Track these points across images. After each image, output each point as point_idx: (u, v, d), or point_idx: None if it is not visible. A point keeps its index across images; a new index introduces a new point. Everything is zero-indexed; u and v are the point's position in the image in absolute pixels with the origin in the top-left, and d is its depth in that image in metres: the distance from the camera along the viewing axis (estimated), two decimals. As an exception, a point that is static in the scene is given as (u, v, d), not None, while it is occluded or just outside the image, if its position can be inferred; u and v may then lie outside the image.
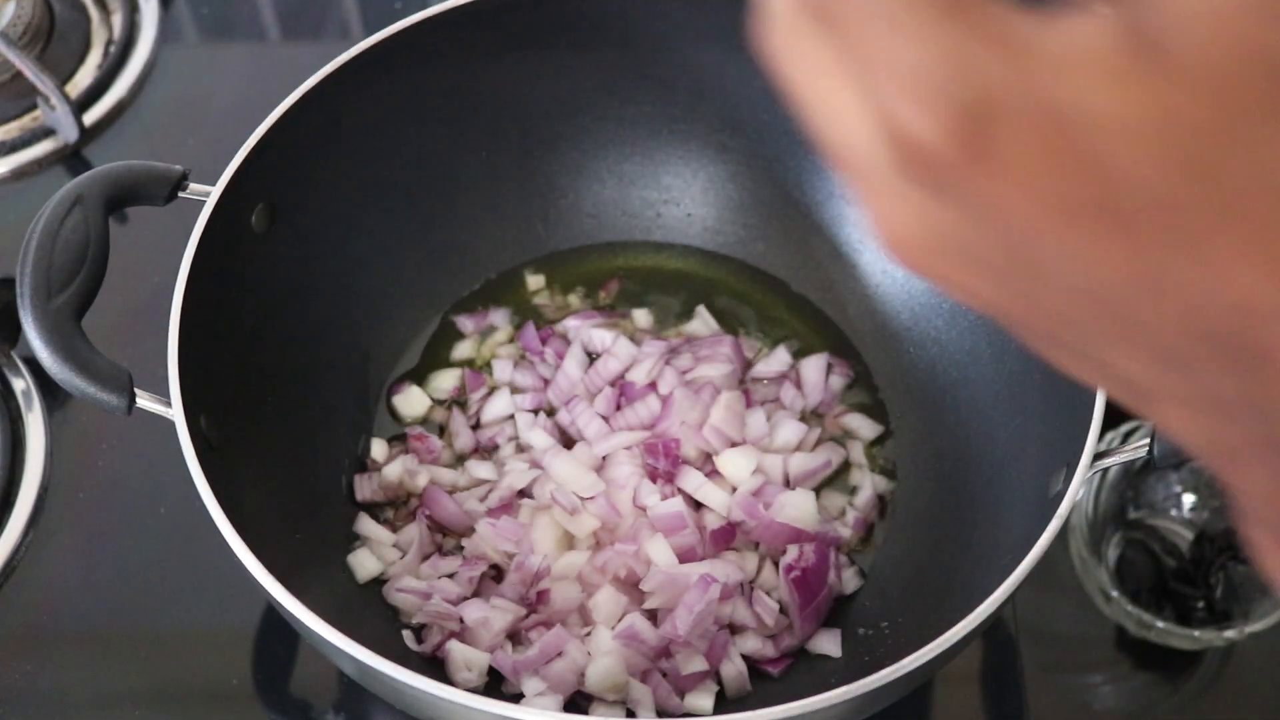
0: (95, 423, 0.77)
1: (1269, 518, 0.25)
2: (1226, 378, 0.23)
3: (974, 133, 0.22)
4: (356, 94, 0.70)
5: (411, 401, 0.76)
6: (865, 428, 0.75)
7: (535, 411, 0.76)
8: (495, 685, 0.66)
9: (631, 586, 0.67)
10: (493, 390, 0.77)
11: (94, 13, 1.00)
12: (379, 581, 0.69)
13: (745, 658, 0.66)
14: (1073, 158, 0.22)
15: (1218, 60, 0.21)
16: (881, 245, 0.25)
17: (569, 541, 0.69)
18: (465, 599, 0.67)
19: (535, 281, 0.82)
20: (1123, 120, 0.21)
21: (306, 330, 0.73)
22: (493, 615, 0.66)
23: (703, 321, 0.80)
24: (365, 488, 0.72)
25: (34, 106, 0.92)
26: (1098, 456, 0.56)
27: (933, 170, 0.23)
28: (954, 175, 0.22)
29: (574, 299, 0.81)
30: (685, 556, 0.67)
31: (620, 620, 0.66)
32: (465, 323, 0.80)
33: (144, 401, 0.58)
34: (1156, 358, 0.24)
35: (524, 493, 0.71)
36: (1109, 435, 0.65)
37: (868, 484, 0.73)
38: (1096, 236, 0.22)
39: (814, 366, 0.77)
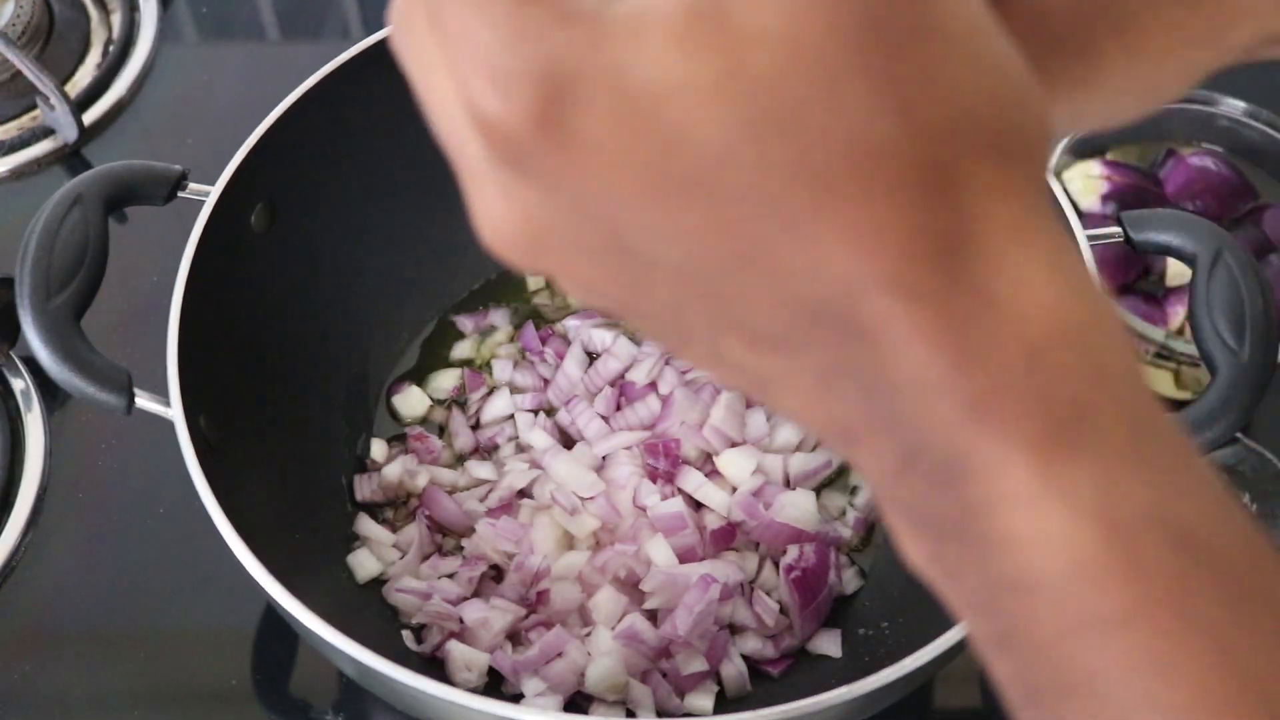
0: (95, 423, 0.77)
1: (897, 497, 0.25)
2: (831, 354, 0.23)
3: (547, 109, 0.21)
4: (356, 94, 0.70)
5: (411, 401, 0.76)
6: (865, 428, 0.75)
7: (535, 411, 0.75)
8: (495, 685, 0.66)
9: (631, 587, 0.67)
10: (492, 390, 0.77)
11: (93, 12, 1.00)
12: (379, 581, 0.69)
13: (745, 658, 0.66)
14: (645, 127, 0.21)
15: (778, 18, 0.20)
16: (481, 238, 0.25)
17: (569, 541, 0.69)
18: (465, 599, 0.67)
19: (535, 281, 0.82)
20: (690, 85, 0.21)
21: (306, 330, 0.73)
22: (493, 615, 0.66)
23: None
24: (365, 488, 0.72)
25: (33, 106, 0.92)
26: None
27: (513, 151, 0.22)
28: (534, 155, 0.22)
29: (574, 299, 0.81)
30: (685, 556, 0.67)
31: (620, 620, 0.66)
32: (465, 323, 0.80)
33: (143, 401, 0.58)
34: (758, 337, 0.23)
35: (524, 493, 0.71)
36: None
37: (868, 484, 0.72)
38: (678, 208, 0.22)
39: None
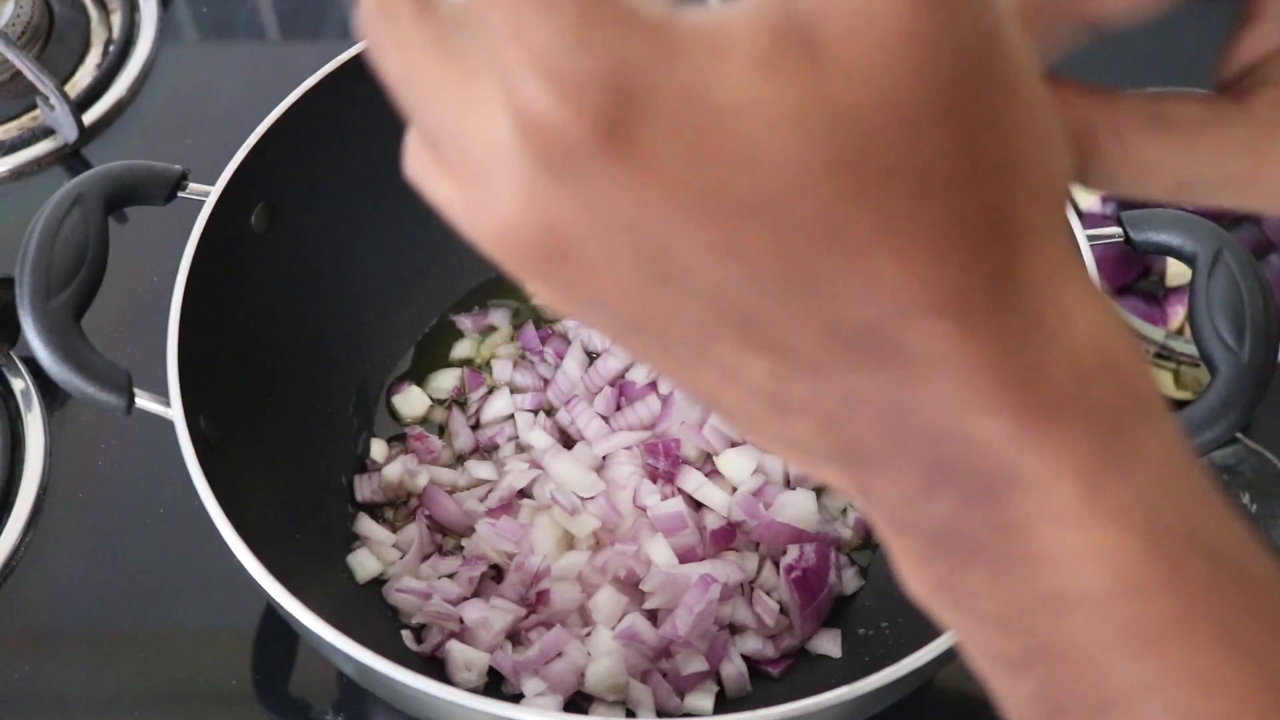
0: (95, 423, 0.77)
1: (912, 519, 0.25)
2: (864, 377, 0.23)
3: (614, 118, 0.21)
4: (357, 94, 0.70)
5: (411, 401, 0.76)
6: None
7: (535, 411, 0.75)
8: (495, 685, 0.66)
9: (631, 586, 0.67)
10: (492, 390, 0.77)
11: (93, 12, 1.00)
12: (379, 581, 0.69)
13: (745, 658, 0.66)
14: (718, 146, 0.21)
15: (866, 54, 0.21)
16: (486, 244, 0.24)
17: (569, 541, 0.69)
18: (465, 599, 0.67)
19: (535, 281, 0.82)
20: (770, 109, 0.21)
21: (306, 330, 0.73)
22: (493, 615, 0.66)
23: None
24: (365, 488, 0.72)
25: (33, 106, 0.92)
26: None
27: (564, 158, 0.21)
28: (588, 163, 0.21)
29: (574, 299, 0.81)
30: (685, 556, 0.67)
31: (620, 620, 0.66)
32: (465, 322, 0.80)
33: (143, 401, 0.58)
34: (791, 358, 0.24)
35: (524, 493, 0.71)
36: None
37: (868, 484, 0.72)
38: (739, 229, 0.22)
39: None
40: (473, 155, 0.23)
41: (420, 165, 0.25)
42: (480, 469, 0.73)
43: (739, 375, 0.24)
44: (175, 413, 0.57)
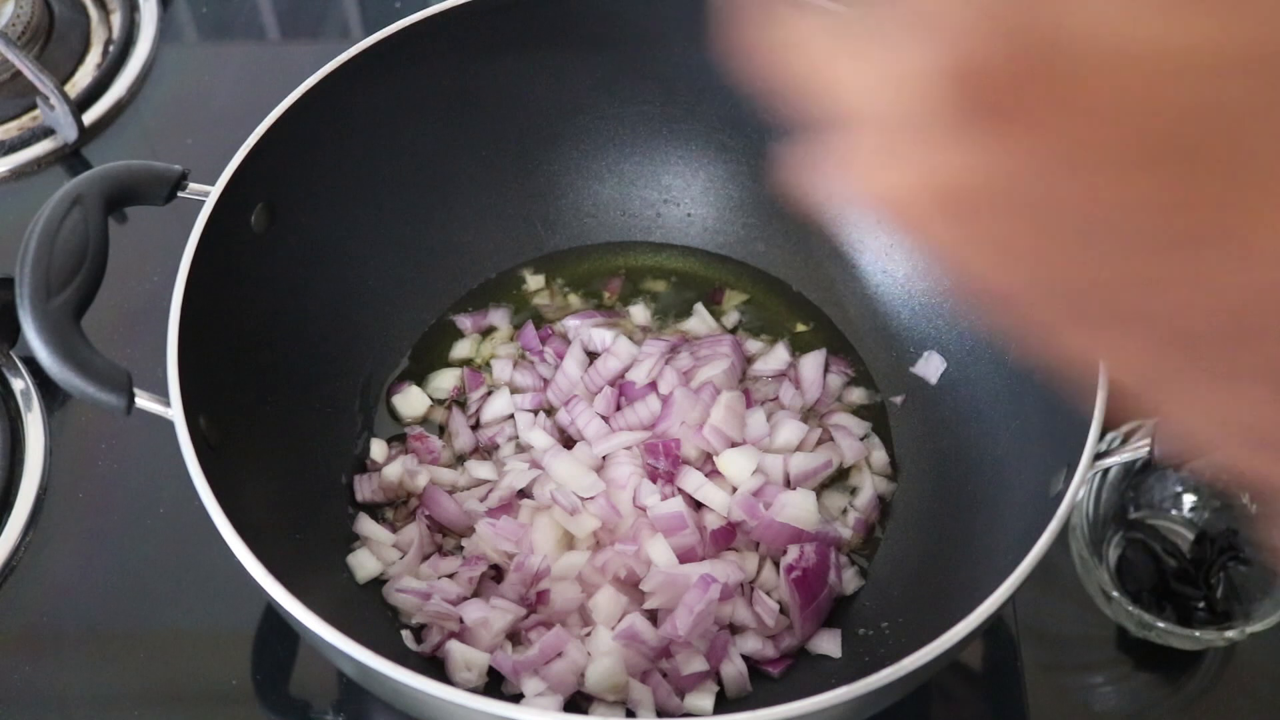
0: (95, 423, 0.77)
1: None
2: None
3: (1041, 68, 0.21)
4: (355, 94, 0.70)
5: (411, 401, 0.76)
6: (864, 428, 0.75)
7: (535, 411, 0.75)
8: (495, 685, 0.66)
9: (631, 586, 0.67)
10: (492, 390, 0.77)
11: (93, 12, 1.00)
12: (379, 581, 0.69)
13: (745, 658, 0.66)
14: (1143, 93, 0.21)
15: None
16: (897, 199, 0.24)
17: (569, 541, 0.69)
18: (465, 599, 0.67)
19: (535, 281, 0.82)
20: (1196, 52, 0.20)
21: (306, 330, 0.73)
22: (492, 615, 0.66)
23: (700, 319, 0.80)
24: (365, 488, 0.72)
25: (33, 106, 0.92)
26: (1098, 456, 0.56)
27: (996, 108, 0.22)
28: (1018, 111, 0.21)
29: (574, 299, 0.81)
30: (685, 556, 0.67)
31: (620, 620, 0.66)
32: (464, 322, 0.80)
33: (143, 401, 0.58)
34: (1216, 318, 0.22)
35: (524, 493, 0.71)
36: (1110, 435, 0.66)
37: (868, 484, 0.72)
38: (1171, 177, 0.21)
39: (812, 363, 0.77)
40: (890, 127, 0.24)
41: (864, 162, 0.25)
42: (480, 469, 0.73)
43: (1126, 334, 0.24)
44: (175, 413, 0.57)
